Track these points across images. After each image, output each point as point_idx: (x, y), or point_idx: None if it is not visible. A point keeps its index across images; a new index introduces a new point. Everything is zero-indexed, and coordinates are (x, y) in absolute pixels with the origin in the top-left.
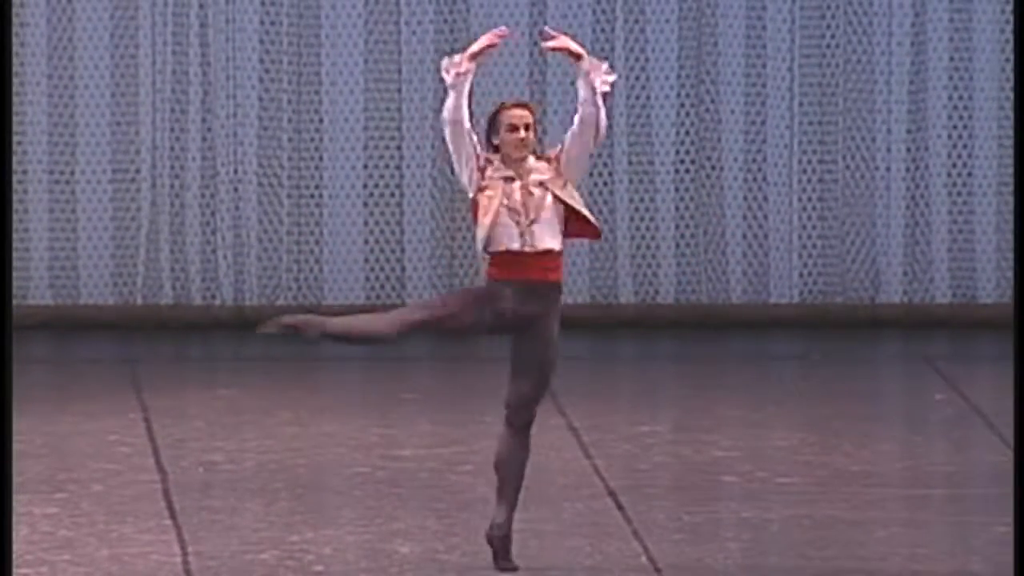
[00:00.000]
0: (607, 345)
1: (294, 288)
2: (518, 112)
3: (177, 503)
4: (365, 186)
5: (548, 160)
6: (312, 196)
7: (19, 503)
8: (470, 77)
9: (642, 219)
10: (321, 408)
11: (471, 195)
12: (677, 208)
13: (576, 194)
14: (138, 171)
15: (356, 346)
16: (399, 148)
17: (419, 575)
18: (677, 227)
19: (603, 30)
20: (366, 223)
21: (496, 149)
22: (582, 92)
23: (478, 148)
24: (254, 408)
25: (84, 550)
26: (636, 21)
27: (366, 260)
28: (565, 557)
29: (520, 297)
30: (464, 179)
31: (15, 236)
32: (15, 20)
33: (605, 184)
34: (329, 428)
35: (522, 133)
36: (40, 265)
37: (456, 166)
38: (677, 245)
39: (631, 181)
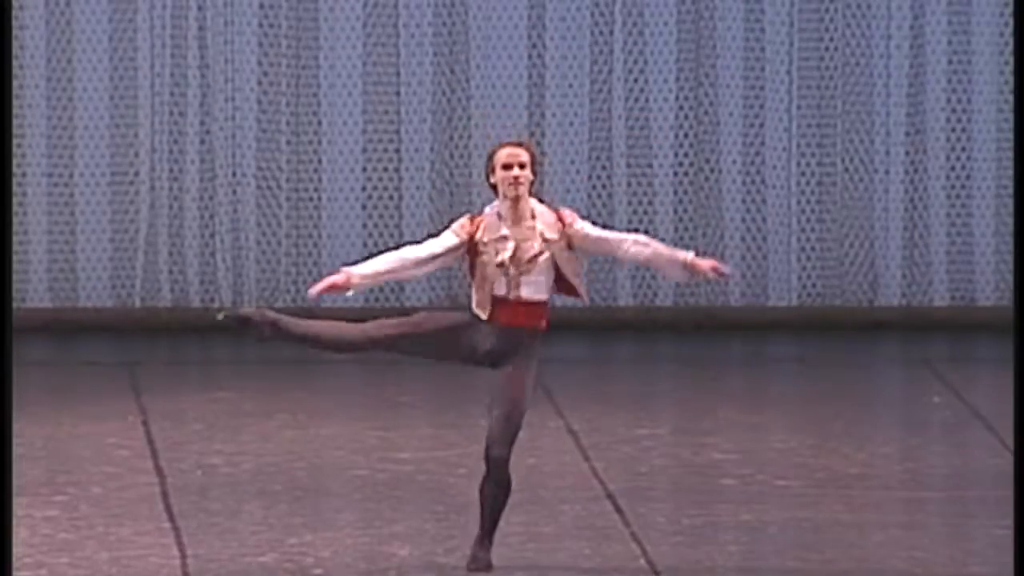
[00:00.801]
0: (606, 347)
1: (292, 291)
2: (512, 151)
3: (176, 506)
4: (364, 189)
5: (559, 217)
6: (310, 199)
7: (18, 505)
8: (367, 283)
9: (640, 221)
10: (320, 411)
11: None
12: (675, 211)
13: (575, 257)
14: (137, 174)
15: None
16: (397, 151)
17: None
18: (676, 229)
19: (601, 33)
20: (364, 226)
21: (495, 189)
22: (666, 257)
23: (454, 244)
24: (253, 411)
25: (83, 553)
26: (635, 24)
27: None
28: (564, 559)
29: (496, 336)
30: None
31: (14, 239)
32: (13, 23)
33: (604, 187)
34: (328, 431)
35: (516, 171)
36: (39, 268)
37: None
38: (675, 247)
39: (629, 184)
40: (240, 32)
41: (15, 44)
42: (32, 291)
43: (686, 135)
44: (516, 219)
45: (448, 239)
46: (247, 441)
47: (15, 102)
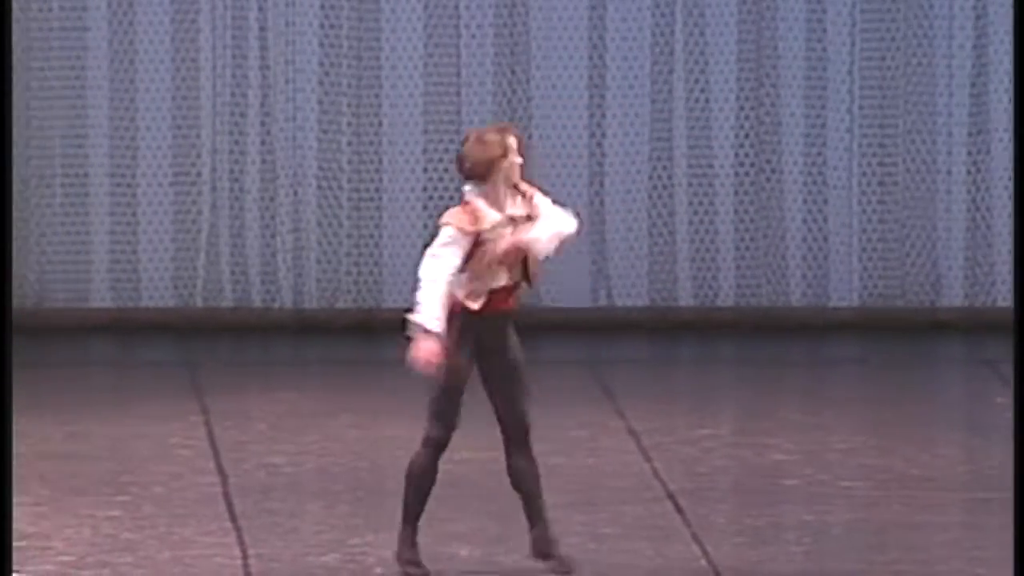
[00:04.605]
0: (667, 348)
1: (353, 291)
2: (516, 136)
3: (238, 506)
4: (424, 189)
5: (524, 195)
6: (372, 199)
7: (81, 505)
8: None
9: (701, 222)
10: (381, 411)
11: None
12: (737, 211)
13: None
14: (198, 174)
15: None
16: (458, 151)
17: None
18: (737, 230)
19: (663, 33)
20: (425, 226)
21: (485, 174)
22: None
23: (468, 243)
24: (315, 411)
25: (146, 552)
26: (696, 24)
27: None
28: (625, 560)
29: (490, 327)
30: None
31: (75, 239)
32: (76, 25)
33: (665, 187)
34: (389, 431)
35: (519, 157)
36: (101, 268)
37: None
38: (737, 248)
39: (690, 184)
40: (301, 33)
41: (78, 45)
42: (94, 291)
43: (747, 135)
44: (508, 204)
45: (461, 240)
46: (309, 441)
47: (78, 102)
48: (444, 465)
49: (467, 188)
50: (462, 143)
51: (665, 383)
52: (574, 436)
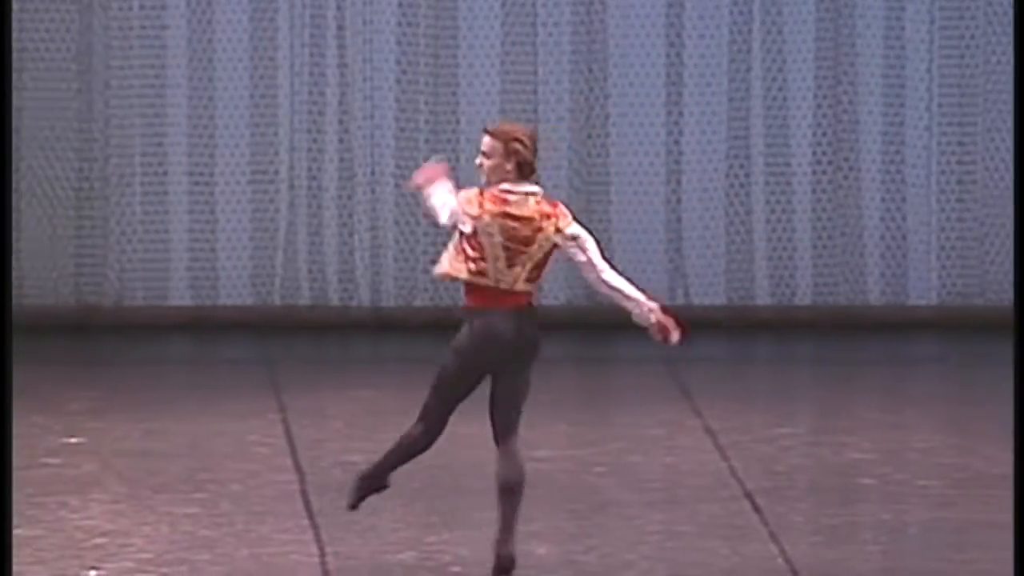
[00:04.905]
0: (744, 347)
1: (431, 289)
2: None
3: (315, 503)
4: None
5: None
6: None
7: (160, 502)
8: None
9: (779, 220)
10: (458, 409)
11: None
12: (814, 209)
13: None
14: (276, 173)
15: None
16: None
17: None
18: (814, 228)
19: (740, 32)
20: None
21: (527, 168)
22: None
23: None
24: (392, 409)
25: (223, 550)
26: (774, 22)
27: None
28: (702, 558)
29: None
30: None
31: (155, 238)
32: (156, 23)
33: (742, 185)
34: (467, 429)
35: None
36: (179, 266)
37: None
38: (814, 247)
39: (767, 182)
40: (379, 31)
41: (157, 44)
42: (173, 290)
43: (824, 133)
44: None
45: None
46: (386, 439)
47: (157, 101)
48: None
49: (538, 188)
50: (530, 143)
51: (742, 382)
52: (651, 435)
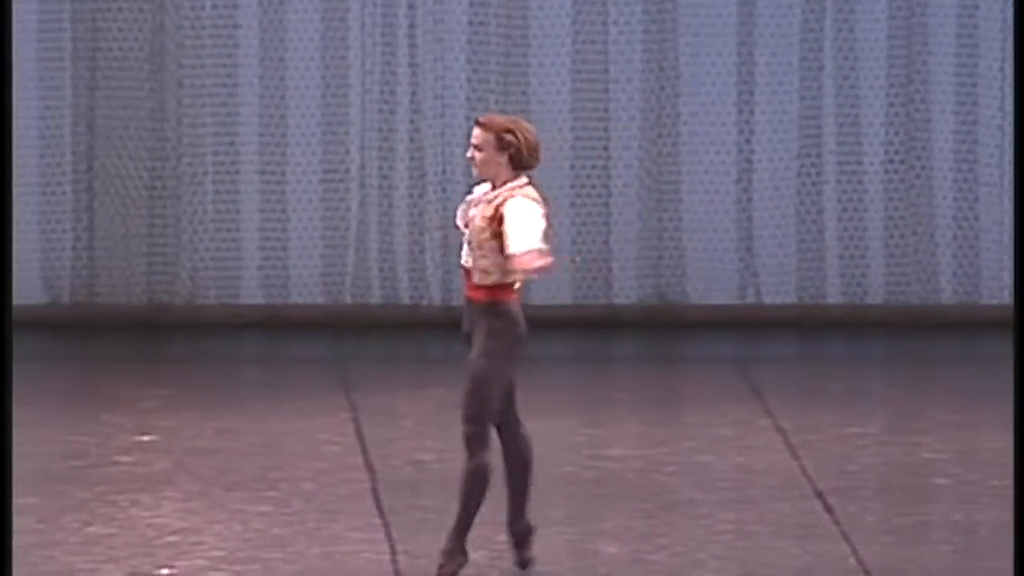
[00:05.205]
0: (815, 346)
1: None
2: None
3: (386, 502)
4: (572, 186)
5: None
6: None
7: (232, 501)
8: None
9: (851, 219)
10: (529, 408)
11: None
12: (886, 208)
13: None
14: (347, 171)
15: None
16: (606, 148)
17: None
18: (886, 227)
19: (812, 29)
20: (572, 223)
21: (526, 165)
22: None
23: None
24: None
25: (295, 548)
26: (846, 20)
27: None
28: (773, 558)
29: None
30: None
31: (227, 236)
32: (228, 23)
33: (813, 184)
34: (537, 428)
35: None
36: (251, 265)
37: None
38: (886, 245)
39: (839, 181)
40: (450, 30)
41: (229, 43)
42: (245, 288)
43: (896, 132)
44: None
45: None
46: (457, 438)
47: (229, 100)
48: (594, 463)
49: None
50: (523, 135)
51: (813, 381)
52: (722, 434)
